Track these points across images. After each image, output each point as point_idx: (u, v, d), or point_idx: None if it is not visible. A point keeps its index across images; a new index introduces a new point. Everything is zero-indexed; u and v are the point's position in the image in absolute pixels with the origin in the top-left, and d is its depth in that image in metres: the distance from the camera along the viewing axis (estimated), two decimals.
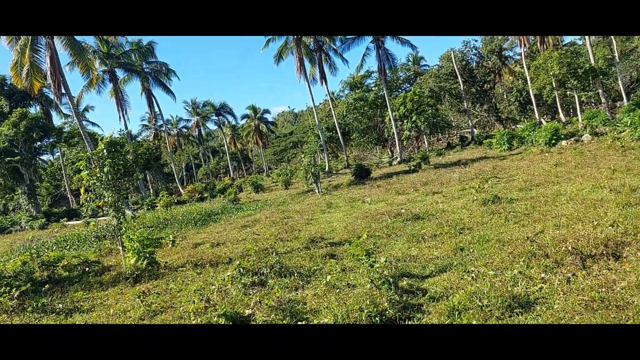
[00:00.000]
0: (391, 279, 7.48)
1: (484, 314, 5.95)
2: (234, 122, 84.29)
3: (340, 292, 8.00)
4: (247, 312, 7.62)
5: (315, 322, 6.89)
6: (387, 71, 48.48)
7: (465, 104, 59.49)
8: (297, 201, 27.01)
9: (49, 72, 32.80)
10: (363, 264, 7.95)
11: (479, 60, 65.63)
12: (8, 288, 10.60)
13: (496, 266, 7.93)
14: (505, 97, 65.10)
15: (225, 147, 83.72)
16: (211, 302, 8.22)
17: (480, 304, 6.15)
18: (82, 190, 12.64)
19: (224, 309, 7.55)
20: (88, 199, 12.27)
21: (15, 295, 10.20)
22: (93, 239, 22.19)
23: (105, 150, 11.96)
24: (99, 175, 11.87)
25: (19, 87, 35.02)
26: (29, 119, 44.61)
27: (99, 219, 36.56)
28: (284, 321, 7.09)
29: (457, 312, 6.15)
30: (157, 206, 36.31)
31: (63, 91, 33.64)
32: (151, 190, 60.25)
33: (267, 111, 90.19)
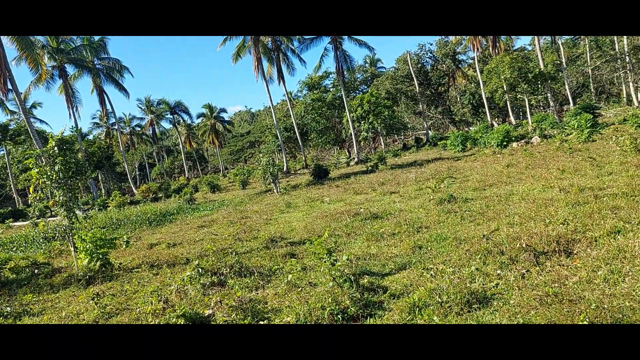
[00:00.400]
0: (352, 277, 7.54)
1: (444, 310, 6.09)
2: (189, 121, 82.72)
3: (301, 290, 8.00)
4: (207, 312, 7.50)
5: (277, 321, 6.86)
6: (345, 72, 48.84)
7: (420, 106, 60.78)
8: (255, 201, 26.81)
9: None
10: (324, 262, 7.98)
11: (434, 63, 67.21)
12: None
13: (454, 263, 8.13)
14: (458, 99, 66.96)
15: (181, 146, 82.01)
16: (169, 303, 8.04)
17: (439, 300, 6.30)
18: (30, 189, 12.08)
19: (183, 310, 7.39)
20: (37, 198, 11.72)
21: None
22: (42, 240, 21.25)
23: (56, 148, 11.47)
24: (49, 173, 11.36)
25: None
26: None
27: (47, 219, 35.03)
28: (245, 321, 7.02)
29: (417, 309, 6.26)
30: (109, 206, 35.15)
31: (9, 87, 31.99)
32: (103, 190, 58.25)
33: (223, 110, 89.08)
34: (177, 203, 31.20)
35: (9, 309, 9.82)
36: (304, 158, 55.15)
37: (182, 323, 7.16)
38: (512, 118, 52.27)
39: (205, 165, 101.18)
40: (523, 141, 32.84)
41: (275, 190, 28.85)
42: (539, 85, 43.13)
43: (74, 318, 8.73)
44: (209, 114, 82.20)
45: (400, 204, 15.79)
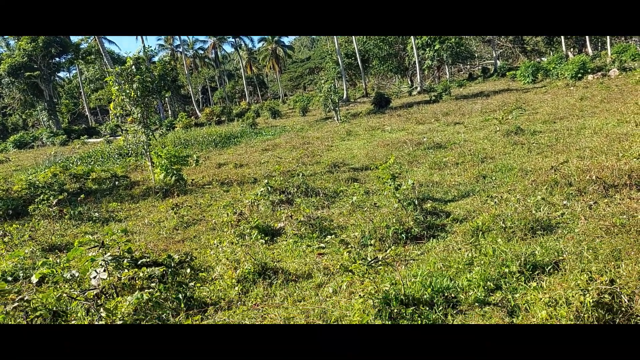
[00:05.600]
0: (416, 201, 7.77)
1: (507, 235, 6.25)
2: (250, 45, 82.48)
3: (366, 211, 8.36)
4: (279, 225, 8.05)
5: (343, 236, 7.27)
6: None
7: None
8: (315, 128, 27.09)
9: None
10: (388, 186, 8.21)
11: None
12: (46, 196, 11.14)
13: (519, 193, 8.15)
14: None
15: (242, 70, 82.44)
16: (243, 216, 8.64)
17: (503, 225, 6.43)
18: (110, 106, 12.87)
19: (257, 222, 7.98)
20: (117, 115, 12.52)
21: (54, 203, 10.76)
22: (116, 156, 22.81)
23: (133, 67, 12.04)
24: (127, 91, 12.03)
25: None
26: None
27: (117, 137, 37.17)
28: (313, 235, 7.50)
29: (480, 232, 6.46)
30: (176, 127, 36.64)
31: None
32: (169, 112, 60.40)
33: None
34: (240, 127, 32.04)
35: (97, 214, 10.90)
36: (364, 86, 54.22)
37: (255, 234, 7.75)
38: (589, 49, 48.48)
39: (265, 90, 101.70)
40: (600, 74, 30.65)
41: (335, 118, 28.92)
42: None
43: (156, 225, 9.60)
44: (270, 38, 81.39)
45: (464, 135, 15.57)
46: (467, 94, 33.61)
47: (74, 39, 54.78)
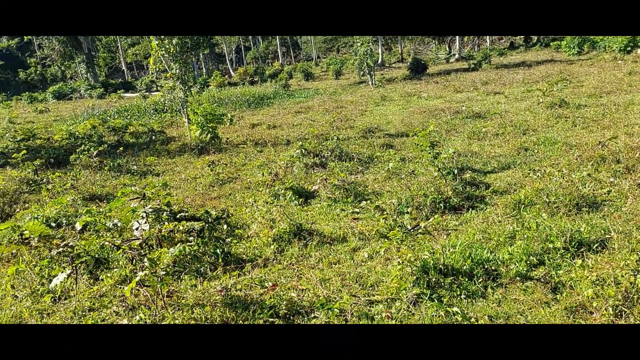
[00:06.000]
0: (455, 170, 7.61)
1: (551, 210, 6.08)
2: None
3: (402, 179, 8.24)
4: (313, 188, 8.03)
5: (378, 203, 7.19)
6: None
7: None
8: (349, 92, 26.71)
9: None
10: (427, 154, 8.05)
11: None
12: (87, 147, 11.38)
13: (563, 167, 7.88)
14: None
15: None
16: (278, 176, 8.66)
17: (547, 200, 6.25)
18: (150, 61, 12.89)
19: (291, 183, 7.98)
20: (157, 69, 12.56)
21: (94, 154, 10.99)
22: (152, 111, 23.05)
23: None
24: (167, 47, 12.01)
25: None
26: None
27: (153, 92, 37.49)
28: (348, 199, 7.46)
29: (522, 206, 6.30)
30: (210, 85, 36.70)
31: None
32: (203, 70, 60.49)
33: None
34: (273, 88, 31.83)
35: (135, 167, 11.10)
36: (400, 51, 52.95)
37: (289, 195, 7.77)
38: None
39: (298, 52, 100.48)
40: None
41: (370, 82, 28.40)
42: None
43: (192, 181, 9.72)
44: None
45: (505, 105, 15.08)
46: (507, 63, 32.44)
47: None
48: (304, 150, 10.13)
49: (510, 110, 14.11)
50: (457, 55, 42.79)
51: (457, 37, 44.07)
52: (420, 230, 5.02)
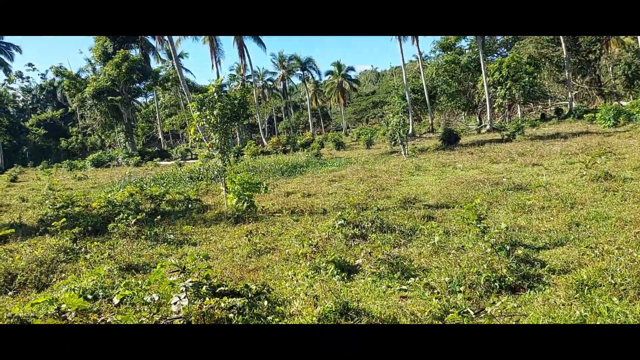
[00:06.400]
0: (508, 246, 7.21)
1: (618, 292, 5.58)
2: (317, 78, 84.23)
3: (449, 254, 7.85)
4: (357, 262, 7.70)
5: (427, 280, 6.80)
6: None
7: (566, 73, 55.17)
8: (381, 161, 26.76)
9: None
10: (474, 227, 7.70)
11: None
12: (125, 215, 11.42)
13: (621, 245, 7.38)
14: (610, 69, 59.59)
15: (307, 102, 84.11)
16: (318, 248, 8.37)
17: (612, 281, 5.77)
18: (191, 131, 13.20)
19: (333, 256, 7.68)
20: (197, 139, 12.79)
21: (132, 223, 10.99)
22: (187, 179, 23.45)
23: (215, 94, 12.33)
24: (208, 117, 12.30)
25: None
26: (130, 61, 47.03)
27: (187, 161, 38.50)
28: (394, 275, 7.09)
29: (586, 287, 5.81)
30: (244, 154, 37.51)
31: (165, 37, 34.91)
32: (237, 139, 62.32)
33: (351, 68, 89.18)
34: (305, 156, 32.27)
35: (172, 236, 11.02)
36: (430, 121, 53.57)
37: (331, 269, 7.43)
38: None
39: (328, 122, 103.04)
40: None
41: (402, 152, 28.49)
42: None
43: (229, 251, 9.52)
44: (337, 71, 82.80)
45: (546, 177, 14.68)
46: (541, 135, 32.22)
47: (154, 65, 57.98)
48: (343, 221, 9.89)
49: (553, 183, 13.69)
50: (488, 126, 42.91)
51: (487, 108, 44.38)
52: (484, 316, 4.60)
